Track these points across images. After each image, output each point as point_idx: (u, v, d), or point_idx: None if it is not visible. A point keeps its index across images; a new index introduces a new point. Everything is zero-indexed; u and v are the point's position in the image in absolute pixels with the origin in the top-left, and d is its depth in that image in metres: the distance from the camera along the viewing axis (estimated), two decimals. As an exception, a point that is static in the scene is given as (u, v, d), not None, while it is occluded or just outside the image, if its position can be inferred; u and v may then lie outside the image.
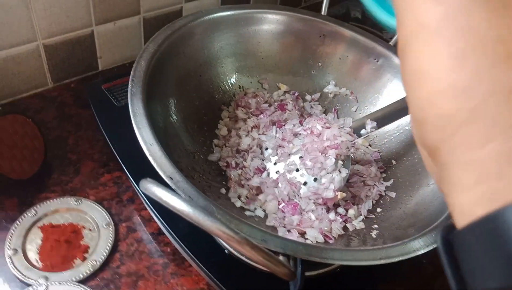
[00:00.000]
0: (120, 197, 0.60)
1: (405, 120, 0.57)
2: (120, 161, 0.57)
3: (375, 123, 0.55)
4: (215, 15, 0.56)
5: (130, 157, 0.56)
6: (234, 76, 0.61)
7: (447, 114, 0.19)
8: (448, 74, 0.19)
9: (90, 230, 0.55)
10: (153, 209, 0.51)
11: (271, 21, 0.60)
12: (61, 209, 0.57)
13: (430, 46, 0.19)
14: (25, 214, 0.54)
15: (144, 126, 0.41)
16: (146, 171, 0.39)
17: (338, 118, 0.62)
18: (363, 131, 0.55)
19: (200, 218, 0.26)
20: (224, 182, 0.52)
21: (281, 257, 0.35)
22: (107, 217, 0.56)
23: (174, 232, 0.49)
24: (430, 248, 0.39)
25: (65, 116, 0.68)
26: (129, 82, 0.43)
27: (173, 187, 0.37)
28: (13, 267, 0.48)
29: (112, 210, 0.58)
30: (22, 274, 0.48)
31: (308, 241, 0.46)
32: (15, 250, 0.50)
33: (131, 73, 0.44)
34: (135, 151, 0.41)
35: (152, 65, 0.47)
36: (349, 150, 0.52)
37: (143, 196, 0.53)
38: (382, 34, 0.78)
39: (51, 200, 0.57)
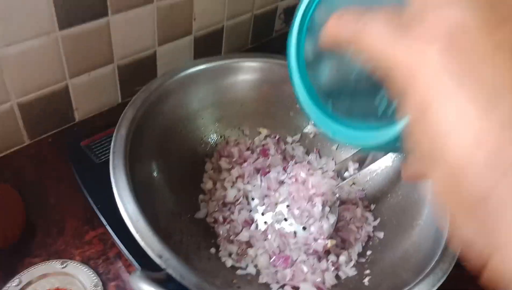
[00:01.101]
0: (106, 254, 0.59)
1: (386, 158, 0.58)
2: (103, 220, 0.56)
3: (357, 164, 0.55)
4: (190, 70, 0.55)
5: (113, 214, 0.55)
6: (215, 126, 0.61)
7: (493, 158, 0.18)
8: (482, 121, 0.18)
9: (78, 293, 0.54)
10: (138, 267, 0.50)
11: (247, 70, 0.60)
12: (46, 274, 0.55)
13: (453, 101, 0.19)
14: (8, 285, 0.53)
15: (128, 201, 0.40)
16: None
17: (320, 158, 0.62)
18: (346, 174, 0.55)
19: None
20: (213, 240, 0.52)
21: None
22: (94, 277, 0.55)
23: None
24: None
25: (45, 173, 0.67)
26: (110, 155, 0.43)
27: (163, 266, 0.36)
28: None
29: (99, 269, 0.57)
30: None
31: (302, 298, 0.46)
32: (0, 328, 0.49)
33: (112, 143, 0.44)
34: (117, 208, 0.41)
35: (132, 132, 0.46)
36: (335, 195, 0.53)
37: (127, 253, 0.52)
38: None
39: (35, 266, 0.55)
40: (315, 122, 0.34)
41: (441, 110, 0.19)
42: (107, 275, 0.56)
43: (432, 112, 0.19)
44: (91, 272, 0.55)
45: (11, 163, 0.67)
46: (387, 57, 0.21)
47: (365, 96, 0.30)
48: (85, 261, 0.57)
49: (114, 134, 0.45)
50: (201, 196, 0.56)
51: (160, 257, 0.37)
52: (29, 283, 0.54)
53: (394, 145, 0.26)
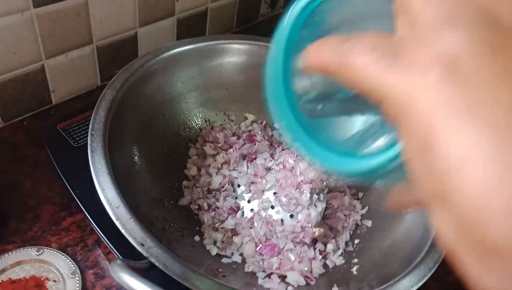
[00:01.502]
0: (84, 241, 0.56)
1: (375, 145, 0.56)
2: (81, 206, 0.53)
3: (346, 151, 0.54)
4: (174, 51, 0.53)
5: (93, 200, 0.52)
6: (199, 110, 0.59)
7: None
8: (499, 154, 0.16)
9: (54, 281, 0.51)
10: (119, 255, 0.48)
11: (234, 52, 0.58)
12: (21, 262, 0.52)
13: (462, 132, 0.16)
14: (-20, 273, 0.50)
15: (108, 185, 0.38)
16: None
17: (308, 145, 0.60)
18: (335, 161, 0.54)
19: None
20: (197, 228, 0.50)
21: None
22: (72, 265, 0.53)
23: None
24: (418, 285, 0.39)
25: (20, 157, 0.64)
26: (89, 137, 0.40)
27: (145, 254, 0.35)
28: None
29: (77, 256, 0.54)
30: None
31: (290, 287, 0.45)
32: (-30, 319, 0.46)
33: (90, 126, 0.42)
34: (96, 194, 0.39)
35: (111, 114, 0.44)
36: (323, 182, 0.51)
37: (107, 241, 0.50)
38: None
39: (9, 253, 0.53)
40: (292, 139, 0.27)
41: (449, 142, 0.16)
42: (85, 262, 0.54)
43: (438, 145, 0.17)
44: (68, 260, 0.53)
45: (-17, 147, 0.64)
46: (377, 85, 0.19)
47: (350, 117, 0.26)
48: (62, 248, 0.54)
49: (92, 116, 0.43)
50: (184, 182, 0.54)
51: (142, 245, 0.35)
52: (2, 271, 0.51)
53: (384, 172, 0.22)
